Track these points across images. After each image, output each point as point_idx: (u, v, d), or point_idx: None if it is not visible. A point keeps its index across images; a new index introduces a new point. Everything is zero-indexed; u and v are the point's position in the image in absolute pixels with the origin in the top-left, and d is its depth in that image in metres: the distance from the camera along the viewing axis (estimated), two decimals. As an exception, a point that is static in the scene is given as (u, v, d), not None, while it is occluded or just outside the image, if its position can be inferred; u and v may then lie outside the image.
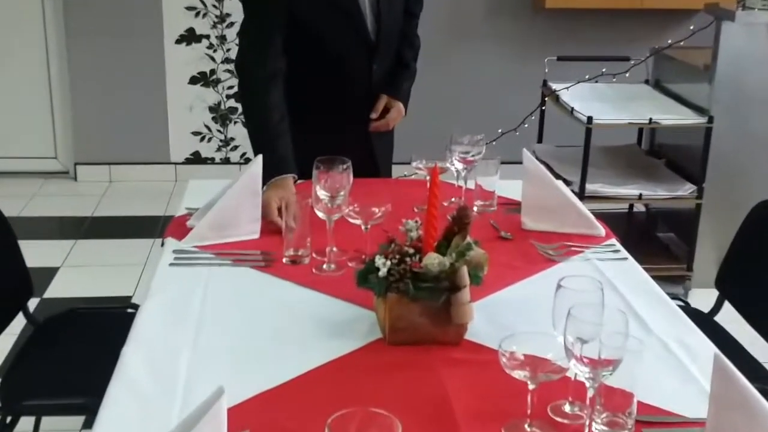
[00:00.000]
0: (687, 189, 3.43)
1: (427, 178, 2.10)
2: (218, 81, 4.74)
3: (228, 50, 4.69)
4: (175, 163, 4.83)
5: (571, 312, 1.26)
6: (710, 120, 3.37)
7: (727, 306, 2.27)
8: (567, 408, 1.36)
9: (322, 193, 1.81)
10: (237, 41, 2.40)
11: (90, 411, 1.62)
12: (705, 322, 2.13)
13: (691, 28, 3.65)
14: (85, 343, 2.10)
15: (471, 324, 1.54)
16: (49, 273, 3.64)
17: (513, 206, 2.22)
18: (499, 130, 3.93)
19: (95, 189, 4.68)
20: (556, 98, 3.66)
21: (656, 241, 3.81)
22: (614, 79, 3.77)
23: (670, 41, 3.79)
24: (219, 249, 1.94)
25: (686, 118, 3.39)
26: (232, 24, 4.63)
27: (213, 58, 4.70)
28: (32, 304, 2.26)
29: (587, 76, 3.77)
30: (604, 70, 3.73)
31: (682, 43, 3.69)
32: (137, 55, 4.61)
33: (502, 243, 2.02)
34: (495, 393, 1.39)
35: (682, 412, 1.35)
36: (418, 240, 1.56)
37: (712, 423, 1.21)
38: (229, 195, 2.00)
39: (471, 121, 4.40)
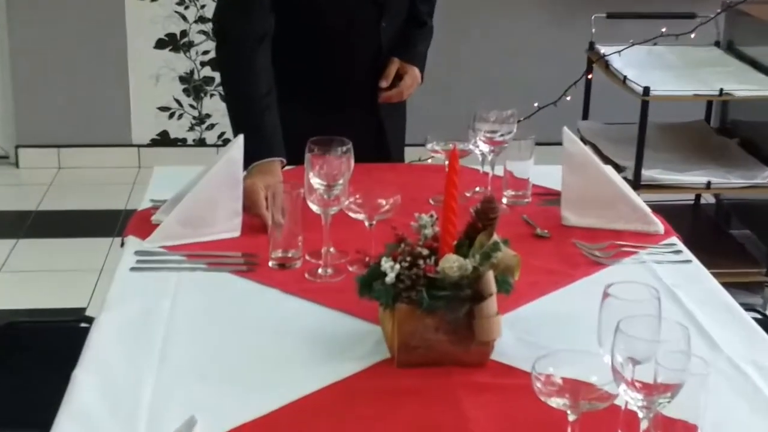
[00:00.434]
0: (766, 176, 3.42)
1: (446, 162, 2.10)
2: (191, 45, 4.75)
3: (203, 6, 4.70)
4: (138, 146, 4.84)
5: (620, 326, 1.26)
6: (795, 91, 3.37)
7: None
8: (616, 444, 1.36)
9: (316, 182, 1.81)
10: (214, -4, 2.40)
11: (34, 447, 1.63)
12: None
13: (772, -23, 3.65)
14: (28, 365, 2.11)
15: (498, 341, 1.55)
16: (-15, 280, 3.67)
17: (551, 197, 2.22)
18: (535, 104, 3.93)
19: (40, 177, 4.70)
20: (605, 65, 3.66)
21: (728, 240, 3.81)
22: (677, 41, 3.76)
23: (745, -6, 3.78)
24: (191, 250, 1.95)
25: (766, 89, 3.38)
26: (207, -25, 4.65)
27: (184, 17, 4.71)
28: (-36, 317, 2.28)
29: (643, 38, 3.76)
30: (664, 29, 3.72)
31: (761, -4, 3.69)
32: (91, 14, 4.62)
33: (537, 242, 2.02)
34: (527, 425, 1.39)
35: (758, 450, 1.36)
36: (434, 239, 1.57)
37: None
38: (203, 184, 2.01)
39: (499, 93, 4.41)
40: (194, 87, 4.80)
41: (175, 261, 1.91)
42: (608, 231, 2.06)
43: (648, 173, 3.37)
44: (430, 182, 2.26)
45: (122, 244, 2.01)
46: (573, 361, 1.30)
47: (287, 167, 2.28)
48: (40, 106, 4.73)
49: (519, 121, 2.19)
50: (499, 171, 2.21)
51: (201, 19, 4.70)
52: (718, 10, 3.79)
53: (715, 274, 1.92)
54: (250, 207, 2.04)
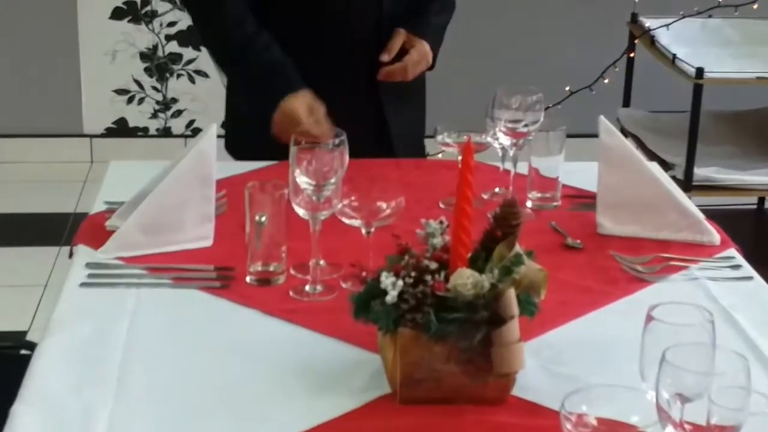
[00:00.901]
0: None
1: (458, 158, 2.10)
2: (154, 15, 4.75)
3: (168, -30, 4.71)
4: (91, 136, 4.84)
5: (667, 356, 1.27)
6: None
7: None
8: (661, 497, 1.37)
9: (303, 181, 1.82)
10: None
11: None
12: None
13: None
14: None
15: (521, 374, 1.55)
16: None
17: (584, 201, 2.23)
18: (567, 88, 3.93)
19: (-27, 173, 4.71)
20: (651, 41, 3.66)
21: (798, 253, 3.80)
22: (736, 13, 3.77)
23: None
24: (153, 262, 1.95)
25: (843, 70, 3.39)
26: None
27: (146, -18, 4.72)
28: None
29: (696, 9, 3.77)
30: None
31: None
32: (35, -22, 4.63)
33: (568, 254, 2.03)
34: (555, 474, 1.39)
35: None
36: (444, 250, 1.57)
37: None
38: (168, 183, 2.01)
39: (523, 74, 4.40)
40: (158, 66, 4.80)
41: (133, 275, 1.91)
42: (653, 241, 2.06)
43: (702, 172, 3.37)
44: (440, 181, 2.26)
45: (71, 255, 2.01)
46: (610, 397, 1.30)
47: (268, 163, 2.29)
48: (-27, 88, 4.74)
49: (547, 109, 2.19)
50: (522, 168, 2.21)
51: (166, -15, 4.71)
52: (787, -24, 3.79)
53: (781, 294, 1.92)
54: (288, 130, 2.05)
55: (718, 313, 1.66)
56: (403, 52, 2.43)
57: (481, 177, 2.04)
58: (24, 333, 3.41)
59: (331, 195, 1.83)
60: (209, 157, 2.04)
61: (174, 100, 4.85)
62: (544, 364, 1.64)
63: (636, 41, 3.75)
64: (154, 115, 4.86)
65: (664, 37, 3.62)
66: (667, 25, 3.67)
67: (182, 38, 4.74)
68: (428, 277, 1.51)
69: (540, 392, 1.56)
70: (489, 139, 2.16)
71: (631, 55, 3.80)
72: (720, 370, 1.27)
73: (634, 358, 1.40)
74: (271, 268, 1.90)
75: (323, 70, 2.40)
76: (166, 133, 4.87)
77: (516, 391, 1.56)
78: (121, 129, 4.85)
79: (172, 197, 2.00)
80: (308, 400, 1.55)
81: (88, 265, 1.94)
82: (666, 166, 3.26)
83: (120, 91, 4.81)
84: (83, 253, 1.98)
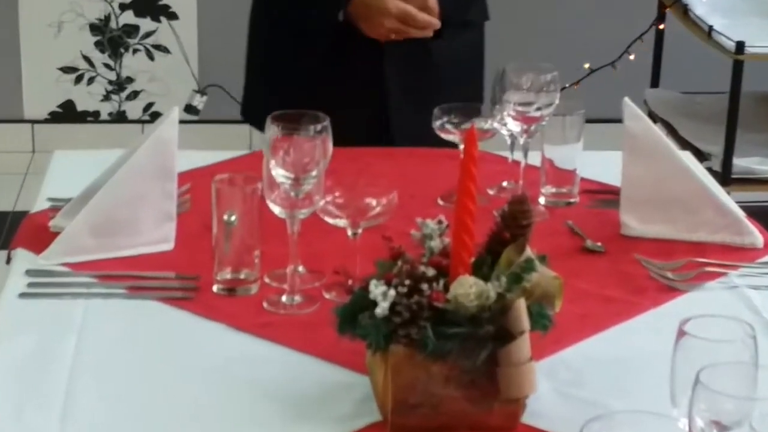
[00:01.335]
0: None
1: (460, 147, 2.11)
2: (105, -20, 4.76)
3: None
4: (32, 122, 4.84)
5: (701, 378, 1.27)
6: None
7: None
8: None
9: (280, 174, 1.82)
10: None
11: None
12: None
13: None
14: None
15: (532, 398, 1.55)
16: None
17: (606, 197, 2.23)
18: (586, 66, 3.94)
19: None
20: (684, 11, 3.67)
21: None
22: (783, -21, 3.77)
23: None
24: (105, 269, 1.95)
25: None
26: None
27: (96, -58, 4.72)
28: None
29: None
30: (765, -38, 3.74)
31: None
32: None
33: (587, 259, 2.03)
34: None
35: None
36: (443, 254, 1.57)
37: None
38: (122, 176, 2.01)
39: (536, 48, 4.41)
40: (111, 40, 4.80)
41: (82, 284, 1.91)
42: (685, 243, 2.07)
43: (742, 163, 3.38)
44: (439, 174, 2.26)
45: (8, 260, 2.02)
46: (636, 425, 1.30)
47: (237, 153, 2.29)
48: None
49: (563, 89, 2.20)
50: (534, 159, 2.22)
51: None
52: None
53: (834, 304, 1.92)
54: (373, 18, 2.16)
55: (760, 328, 1.66)
56: None
57: (487, 169, 2.05)
58: (-46, 351, 3.40)
59: (311, 190, 1.83)
60: (170, 146, 2.04)
61: (129, 80, 4.84)
62: (559, 387, 1.64)
63: (666, 11, 3.76)
64: (107, 97, 4.86)
65: (698, 7, 3.63)
66: (702, -8, 3.69)
67: (139, 7, 4.74)
68: (425, 286, 1.51)
69: (554, 420, 1.56)
70: (496, 125, 2.16)
71: (661, 27, 3.81)
72: (763, 393, 1.27)
73: (663, 379, 1.40)
74: (242, 276, 1.90)
75: (309, 33, 2.51)
76: (120, 117, 4.87)
77: (526, 419, 1.56)
78: (67, 113, 4.84)
79: (126, 193, 2.00)
80: (285, 429, 1.55)
81: (29, 273, 1.94)
82: (701, 155, 3.28)
83: (66, 69, 4.81)
84: (23, 258, 1.98)
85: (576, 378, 1.67)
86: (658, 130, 2.19)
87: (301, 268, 1.89)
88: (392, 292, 1.51)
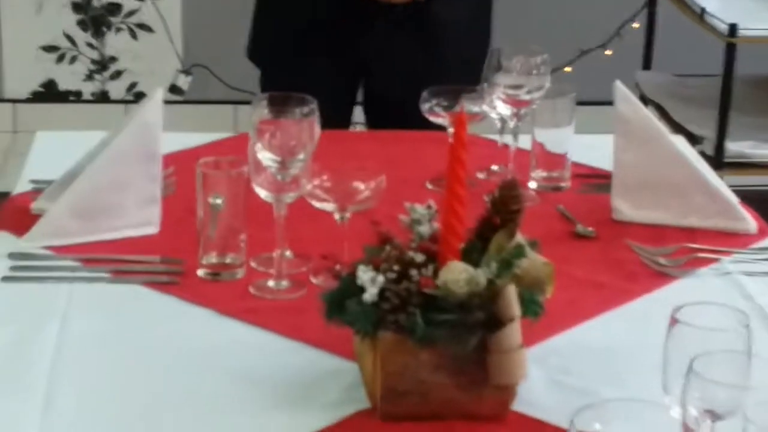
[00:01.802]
0: None
1: (449, 130, 2.10)
2: (89, -43, 4.74)
3: None
4: (13, 101, 4.82)
5: (695, 366, 1.27)
6: None
7: None
8: None
9: (266, 157, 1.81)
10: None
11: None
12: None
13: None
14: None
15: (522, 386, 1.55)
16: None
17: (597, 181, 2.23)
18: (576, 47, 3.93)
19: None
20: (676, -8, 3.66)
21: None
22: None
23: None
24: (88, 252, 1.95)
25: None
26: None
27: None
28: None
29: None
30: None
31: None
32: None
33: (578, 245, 2.04)
34: (563, 504, 1.40)
35: None
36: (432, 239, 1.57)
37: None
38: (106, 158, 2.01)
39: (527, 30, 4.40)
40: (93, 18, 4.78)
41: (65, 268, 1.90)
42: (678, 229, 2.07)
43: (735, 147, 3.38)
44: (428, 158, 2.27)
45: (-10, 244, 2.01)
46: (628, 413, 1.30)
47: (222, 135, 2.28)
48: None
49: (553, 72, 2.19)
50: (525, 143, 2.21)
51: None
52: None
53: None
54: None
55: (754, 315, 1.67)
56: None
57: (476, 153, 2.05)
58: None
59: (298, 174, 1.82)
60: (155, 128, 2.04)
61: (112, 59, 4.82)
62: (550, 374, 1.64)
63: (658, -8, 3.75)
64: (89, 77, 4.84)
65: (691, -12, 3.63)
66: (694, -26, 3.68)
67: (122, -16, 4.72)
68: (414, 272, 1.51)
69: (545, 407, 1.56)
70: (485, 108, 2.16)
71: (653, 9, 3.80)
72: (756, 382, 1.27)
73: (655, 367, 1.40)
74: (228, 260, 1.90)
75: None
76: (103, 98, 4.85)
77: (517, 406, 1.56)
78: (49, 93, 4.82)
79: (110, 175, 2.00)
80: (272, 416, 1.55)
81: (11, 256, 1.93)
82: (693, 139, 3.27)
83: (48, 48, 4.79)
84: (5, 241, 1.98)
85: (567, 365, 1.67)
86: (650, 115, 2.19)
87: (288, 253, 1.89)
88: (381, 278, 1.51)
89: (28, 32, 4.74)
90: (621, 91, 2.14)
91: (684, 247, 2.01)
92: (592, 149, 2.30)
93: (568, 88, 2.20)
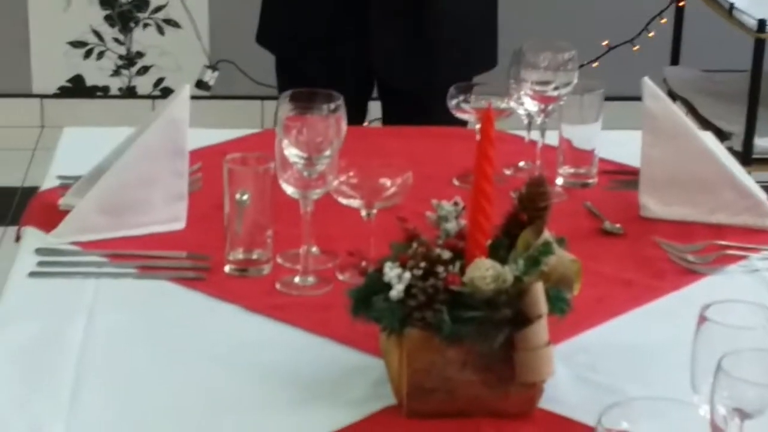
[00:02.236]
0: None
1: (477, 127, 2.10)
2: (116, -47, 4.75)
3: None
4: (41, 96, 4.84)
5: (723, 364, 1.26)
6: None
7: None
8: None
9: (293, 154, 1.81)
10: None
11: None
12: None
13: None
14: None
15: (549, 383, 1.55)
16: None
17: (625, 178, 2.22)
18: (604, 43, 3.93)
19: None
20: (704, -13, 3.65)
21: None
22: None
23: None
24: (115, 248, 1.95)
25: None
26: None
27: None
28: None
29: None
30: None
31: None
32: None
33: (605, 242, 2.03)
34: (590, 503, 1.39)
35: None
36: (459, 236, 1.57)
37: None
38: (133, 154, 2.01)
39: (554, 26, 4.39)
40: (120, 14, 4.79)
41: (92, 264, 1.91)
42: (706, 226, 2.06)
43: (763, 143, 3.37)
44: (454, 154, 2.26)
45: (17, 239, 2.02)
46: (655, 412, 1.30)
47: (249, 131, 2.28)
48: None
49: (581, 68, 2.19)
50: (552, 139, 2.21)
51: None
52: None
53: None
54: None
55: (783, 313, 1.66)
56: None
57: (504, 149, 2.04)
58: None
59: (325, 170, 1.82)
60: (181, 125, 2.04)
61: (139, 55, 4.84)
62: (577, 371, 1.64)
63: (687, -13, 3.74)
64: (116, 72, 4.85)
65: (720, -17, 3.61)
66: (723, -32, 3.66)
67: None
68: (440, 269, 1.51)
69: (572, 405, 1.56)
70: (512, 104, 2.16)
71: (681, 3, 3.79)
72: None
73: (683, 365, 1.40)
74: (255, 256, 1.90)
75: None
76: (130, 93, 4.86)
77: (543, 404, 1.56)
78: (76, 88, 4.84)
79: (137, 171, 2.00)
80: (298, 413, 1.55)
81: (39, 251, 1.94)
82: (722, 135, 3.26)
83: (76, 44, 4.80)
84: (32, 236, 1.98)
85: (594, 363, 1.67)
86: (678, 110, 2.19)
87: (314, 249, 1.89)
88: (407, 275, 1.50)
89: (56, 28, 4.75)
90: (649, 87, 2.14)
91: (712, 244, 2.00)
92: (620, 145, 2.29)
93: (596, 84, 2.20)
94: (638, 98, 2.14)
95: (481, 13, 2.76)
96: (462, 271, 1.51)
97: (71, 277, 1.87)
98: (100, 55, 4.82)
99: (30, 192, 2.22)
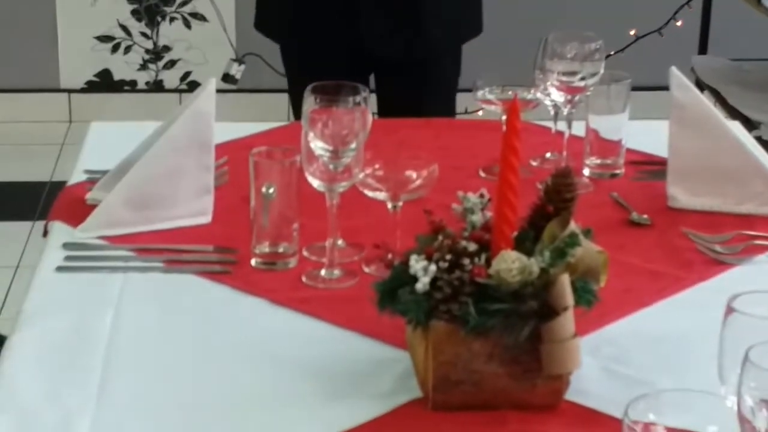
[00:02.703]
0: None
1: (502, 118, 2.10)
2: (142, -53, 4.76)
3: None
4: (69, 91, 4.86)
5: (751, 356, 1.26)
6: None
7: None
8: None
9: (318, 147, 1.82)
10: None
11: None
12: None
13: None
14: None
15: (576, 375, 1.55)
16: None
17: (653, 168, 2.22)
18: (631, 32, 3.91)
19: (-69, 136, 4.73)
20: (732, -24, 3.63)
21: None
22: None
23: None
24: (142, 242, 1.96)
25: None
26: None
27: None
28: None
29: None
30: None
31: None
32: None
33: (633, 233, 2.02)
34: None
35: None
36: (485, 228, 1.57)
37: None
38: (159, 148, 2.02)
39: (580, 15, 4.38)
40: (147, 8, 4.81)
41: (119, 258, 1.92)
42: (734, 216, 2.05)
43: (792, 132, 3.35)
44: (480, 146, 2.26)
45: (45, 233, 2.03)
46: (683, 404, 1.29)
47: (275, 125, 2.29)
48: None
49: (607, 57, 2.18)
50: (579, 130, 2.20)
51: None
52: None
53: None
54: None
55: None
56: None
57: (530, 140, 2.03)
58: (-8, 324, 3.43)
59: (351, 163, 1.82)
60: (208, 119, 2.05)
61: (166, 49, 4.85)
62: (603, 363, 1.64)
63: (714, -24, 3.73)
64: (143, 67, 4.87)
65: (749, -30, 3.60)
66: (752, -45, 3.65)
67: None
68: (466, 261, 1.51)
69: (599, 397, 1.56)
70: (539, 95, 2.16)
71: (709, -9, 3.77)
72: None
73: (711, 356, 1.39)
74: (281, 250, 1.90)
75: None
76: (157, 87, 4.88)
77: (570, 396, 1.56)
78: (104, 83, 4.86)
79: (164, 165, 2.01)
80: (324, 405, 1.56)
81: (66, 246, 1.95)
82: (750, 125, 3.25)
83: (103, 38, 4.82)
84: (60, 231, 1.99)
85: (621, 354, 1.67)
86: (706, 100, 2.18)
87: (340, 242, 1.89)
88: (433, 267, 1.51)
89: (83, 23, 4.77)
90: (676, 76, 2.13)
91: (740, 235, 2.00)
92: (647, 135, 2.28)
93: (623, 74, 2.19)
94: (666, 88, 2.14)
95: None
96: (488, 263, 1.51)
97: (98, 272, 1.88)
98: (128, 49, 4.84)
99: (58, 187, 2.23)
